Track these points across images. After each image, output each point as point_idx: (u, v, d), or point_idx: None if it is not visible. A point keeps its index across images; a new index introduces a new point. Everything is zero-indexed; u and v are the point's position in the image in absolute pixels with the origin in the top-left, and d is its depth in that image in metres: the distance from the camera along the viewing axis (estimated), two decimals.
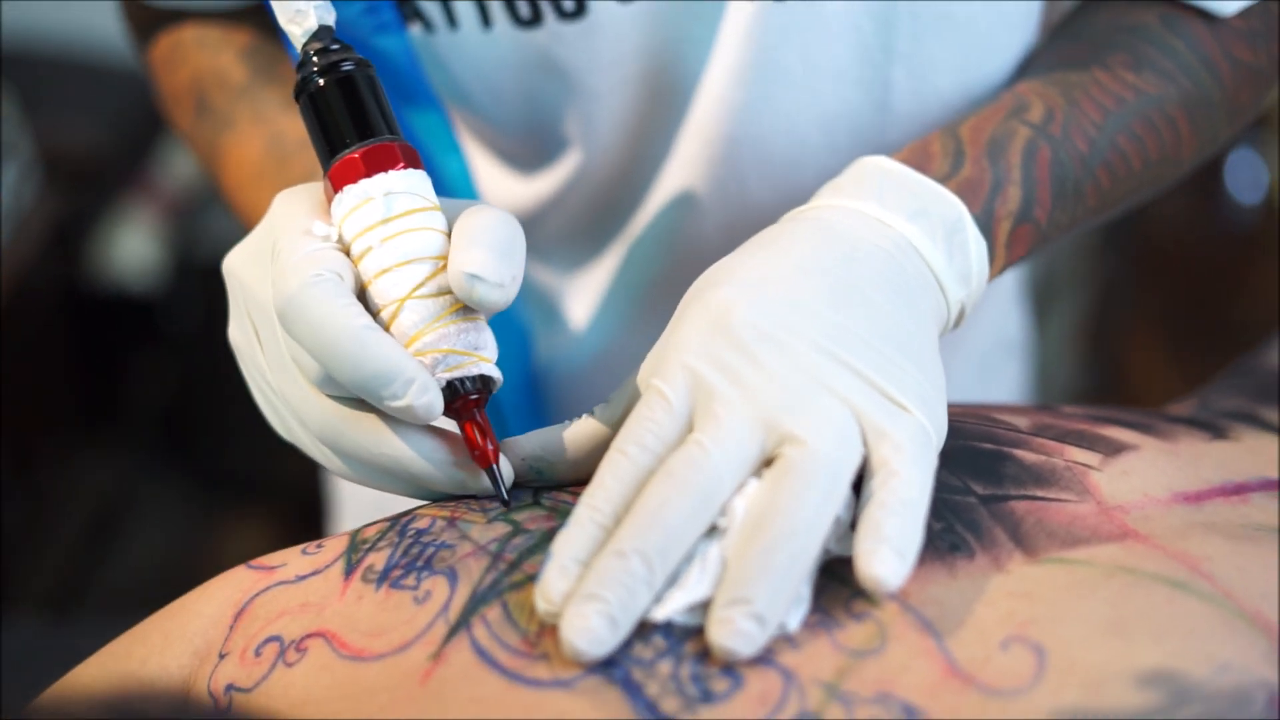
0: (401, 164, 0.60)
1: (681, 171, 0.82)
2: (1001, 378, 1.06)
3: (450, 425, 0.61)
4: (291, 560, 0.60)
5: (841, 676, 0.50)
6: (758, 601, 0.51)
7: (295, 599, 0.58)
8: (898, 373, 0.57)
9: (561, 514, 0.59)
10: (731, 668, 0.51)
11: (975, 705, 0.49)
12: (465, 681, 0.52)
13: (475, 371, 0.59)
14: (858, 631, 0.52)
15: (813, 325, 0.57)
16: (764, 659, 0.51)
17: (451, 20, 0.76)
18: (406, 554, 0.58)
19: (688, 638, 0.52)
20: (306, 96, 0.63)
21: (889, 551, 0.51)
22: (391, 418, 0.59)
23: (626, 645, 0.52)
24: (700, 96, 0.79)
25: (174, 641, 0.59)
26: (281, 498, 2.20)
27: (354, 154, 0.60)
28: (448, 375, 0.59)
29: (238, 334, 0.66)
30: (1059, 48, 0.77)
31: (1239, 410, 0.73)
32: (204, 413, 2.38)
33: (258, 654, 0.57)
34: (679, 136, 0.81)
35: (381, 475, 0.61)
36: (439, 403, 0.57)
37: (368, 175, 0.60)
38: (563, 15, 0.76)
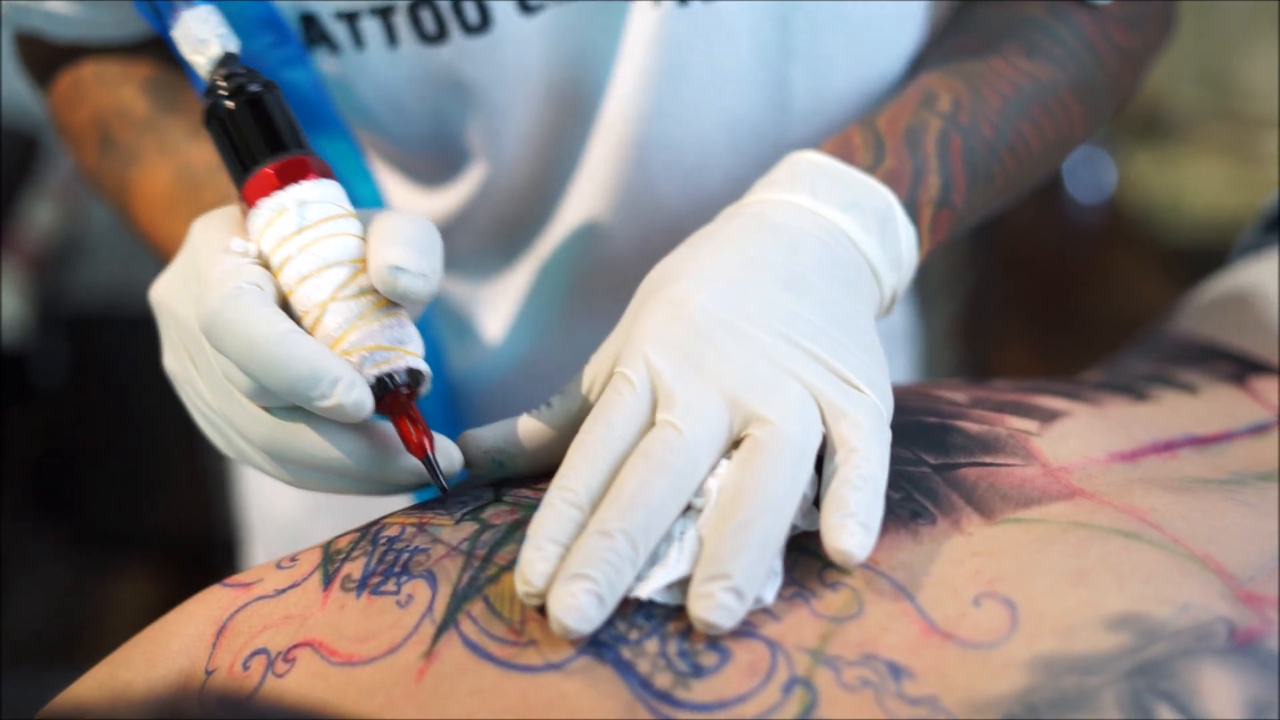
0: (314, 175, 0.62)
1: (591, 179, 0.83)
2: (893, 367, 1.10)
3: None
4: (268, 575, 0.61)
5: (825, 642, 0.52)
6: (736, 576, 0.52)
7: (277, 612, 0.59)
8: (849, 356, 0.60)
9: (525, 508, 0.60)
10: (717, 642, 0.52)
11: (956, 659, 0.51)
12: (461, 675, 0.53)
13: (403, 365, 0.59)
14: (834, 600, 0.54)
15: (768, 313, 0.60)
16: (747, 632, 0.53)
17: (358, 40, 0.76)
18: (382, 561, 0.59)
19: (669, 618, 0.54)
20: (216, 120, 0.64)
21: (855, 525, 0.54)
22: (326, 421, 0.60)
23: (610, 625, 0.53)
24: (608, 104, 0.80)
25: (157, 663, 0.59)
26: (163, 548, 2.18)
27: (266, 169, 0.62)
28: (375, 371, 0.59)
29: (173, 362, 0.66)
30: (954, 40, 0.81)
31: (1154, 374, 0.77)
32: (78, 466, 2.34)
33: (245, 667, 0.57)
34: (588, 145, 0.82)
35: (328, 479, 0.62)
36: (368, 399, 0.57)
37: (281, 188, 0.61)
38: (468, 30, 0.76)
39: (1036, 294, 2.78)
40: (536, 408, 0.64)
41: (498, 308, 0.92)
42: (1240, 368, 0.77)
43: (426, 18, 0.76)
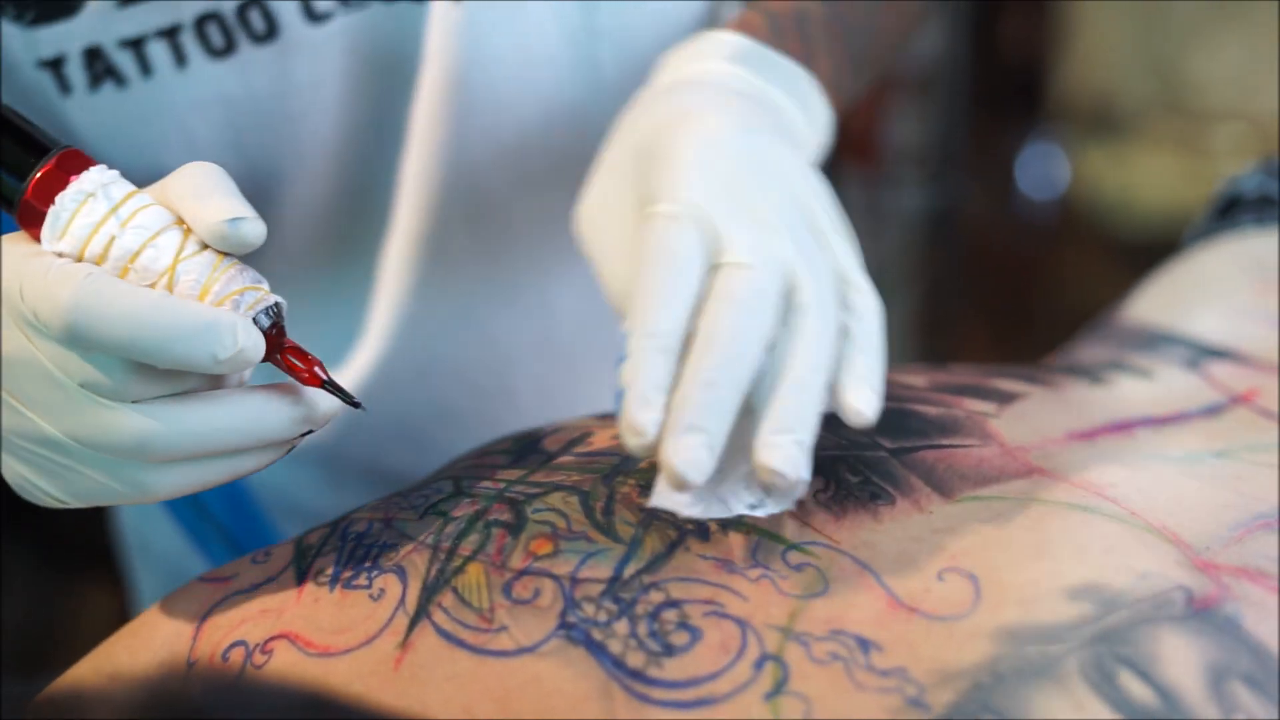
0: (93, 161, 0.58)
1: (415, 177, 0.83)
2: None
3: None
4: (243, 570, 0.62)
5: (794, 619, 0.53)
6: (798, 429, 0.54)
7: (254, 606, 0.60)
8: (824, 219, 0.62)
9: (484, 497, 0.61)
10: (685, 622, 0.54)
11: (923, 631, 0.52)
12: (437, 663, 0.54)
13: (271, 300, 0.57)
14: (800, 579, 0.55)
15: (785, 162, 0.62)
16: (716, 612, 0.54)
17: (145, 68, 0.74)
18: (353, 556, 0.60)
19: (635, 601, 0.55)
20: None
21: (867, 389, 0.57)
22: (210, 394, 0.57)
23: (578, 608, 0.55)
24: (421, 101, 0.81)
25: (140, 656, 0.60)
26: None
27: (48, 166, 0.57)
28: (251, 312, 0.57)
29: None
30: None
31: (1109, 360, 0.78)
32: None
33: (225, 659, 0.58)
34: (405, 145, 0.83)
35: (213, 467, 0.57)
36: (261, 339, 0.55)
37: (73, 178, 0.57)
38: (255, 39, 0.76)
39: (993, 290, 2.80)
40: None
41: (343, 313, 0.90)
42: (1194, 353, 0.78)
43: (213, 32, 0.75)
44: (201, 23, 0.74)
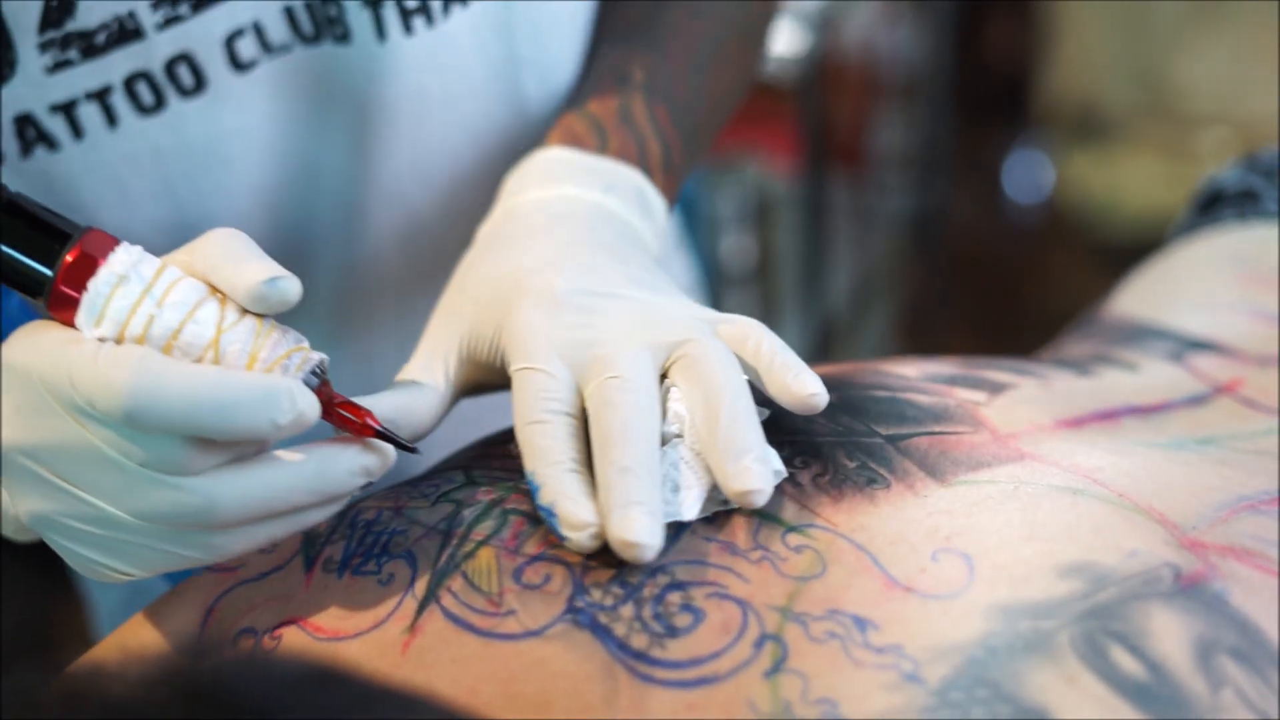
0: (115, 240, 0.58)
1: (349, 215, 0.85)
2: None
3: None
4: (251, 560, 0.63)
5: (792, 600, 0.55)
6: (755, 447, 0.58)
7: (262, 593, 0.61)
8: (675, 292, 0.68)
9: (501, 488, 0.63)
10: (689, 603, 0.55)
11: (918, 610, 0.54)
12: (444, 646, 0.56)
13: (316, 358, 0.59)
14: (799, 561, 0.57)
15: (615, 278, 0.67)
16: (719, 593, 0.55)
17: (77, 131, 0.74)
18: (362, 544, 0.61)
19: (643, 585, 0.56)
20: None
21: (805, 374, 0.61)
22: (267, 456, 0.58)
23: (585, 593, 0.56)
24: (349, 139, 0.82)
25: (153, 638, 0.61)
26: None
27: (75, 250, 0.57)
28: (300, 374, 0.58)
29: (42, 505, 0.58)
30: (624, 15, 0.86)
31: (1095, 354, 0.80)
32: None
33: (234, 645, 0.60)
34: (338, 180, 0.84)
35: (271, 525, 0.59)
36: (316, 401, 0.57)
37: (101, 261, 0.57)
38: (184, 94, 0.76)
39: (979, 292, 2.82)
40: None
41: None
42: (1177, 346, 0.80)
43: (143, 91, 0.75)
44: (131, 82, 0.74)
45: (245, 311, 0.58)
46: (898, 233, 2.67)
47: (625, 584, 0.56)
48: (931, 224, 2.72)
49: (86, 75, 0.73)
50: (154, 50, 0.73)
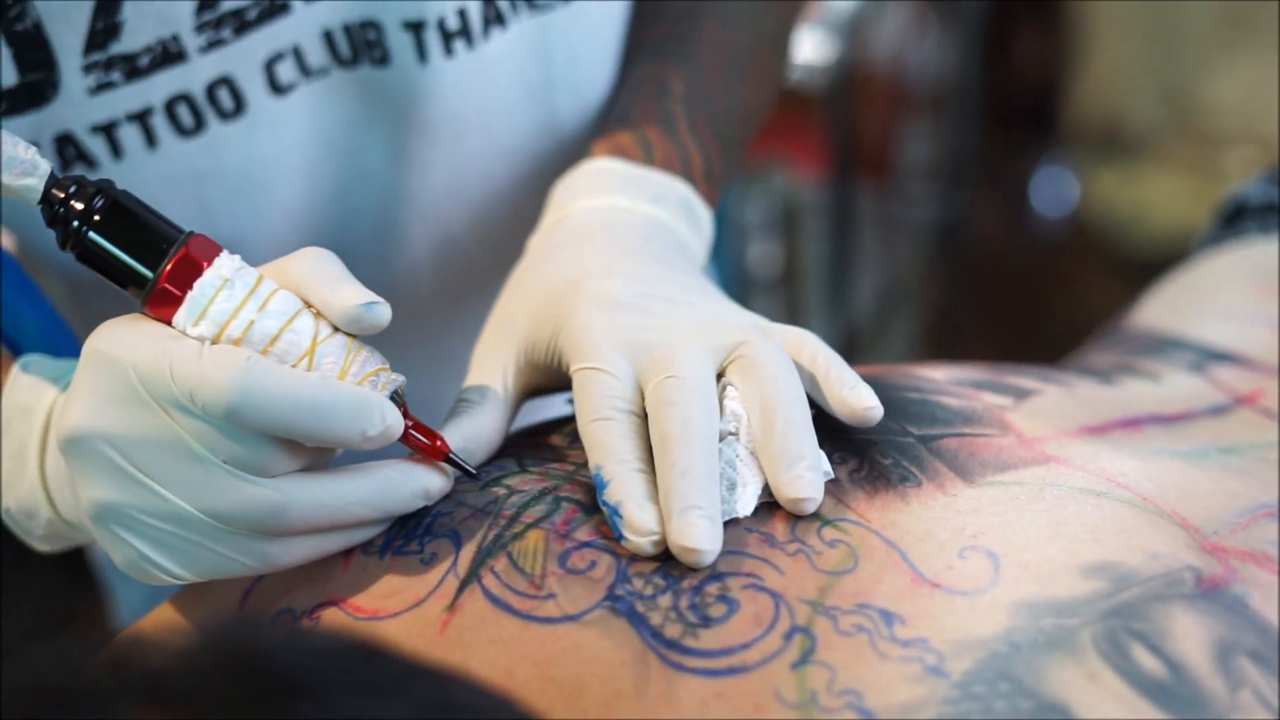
0: (217, 245, 0.60)
1: (387, 232, 0.87)
2: None
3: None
4: None
5: (823, 594, 0.56)
6: (809, 454, 0.60)
7: (300, 575, 0.62)
8: (727, 300, 0.70)
9: (554, 476, 0.64)
10: (725, 594, 0.57)
11: (944, 605, 0.55)
12: (483, 625, 0.57)
13: (399, 380, 0.62)
14: (833, 556, 0.58)
15: (669, 284, 0.68)
16: (754, 585, 0.57)
17: (116, 150, 0.75)
18: (404, 525, 0.63)
19: (684, 577, 0.58)
20: (91, 238, 0.59)
21: (861, 387, 0.63)
22: (340, 471, 0.61)
23: (628, 581, 0.58)
24: (385, 161, 0.84)
25: (193, 613, 0.63)
26: None
27: (182, 252, 0.59)
28: (385, 392, 0.61)
29: (111, 494, 0.58)
30: (657, 27, 0.88)
31: (1118, 364, 0.81)
32: None
33: (273, 625, 0.61)
34: (372, 201, 0.86)
35: (345, 529, 0.61)
36: (401, 418, 0.60)
37: (206, 264, 0.59)
38: (224, 117, 0.77)
39: (1002, 305, 2.83)
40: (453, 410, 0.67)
41: None
42: (1199, 357, 0.82)
43: (183, 113, 0.76)
44: (171, 104, 0.75)
45: (336, 329, 0.60)
46: (922, 243, 2.68)
47: (668, 575, 0.58)
48: (956, 235, 2.73)
49: (128, 97, 0.74)
50: (195, 73, 0.75)
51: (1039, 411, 0.69)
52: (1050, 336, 2.53)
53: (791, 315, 2.28)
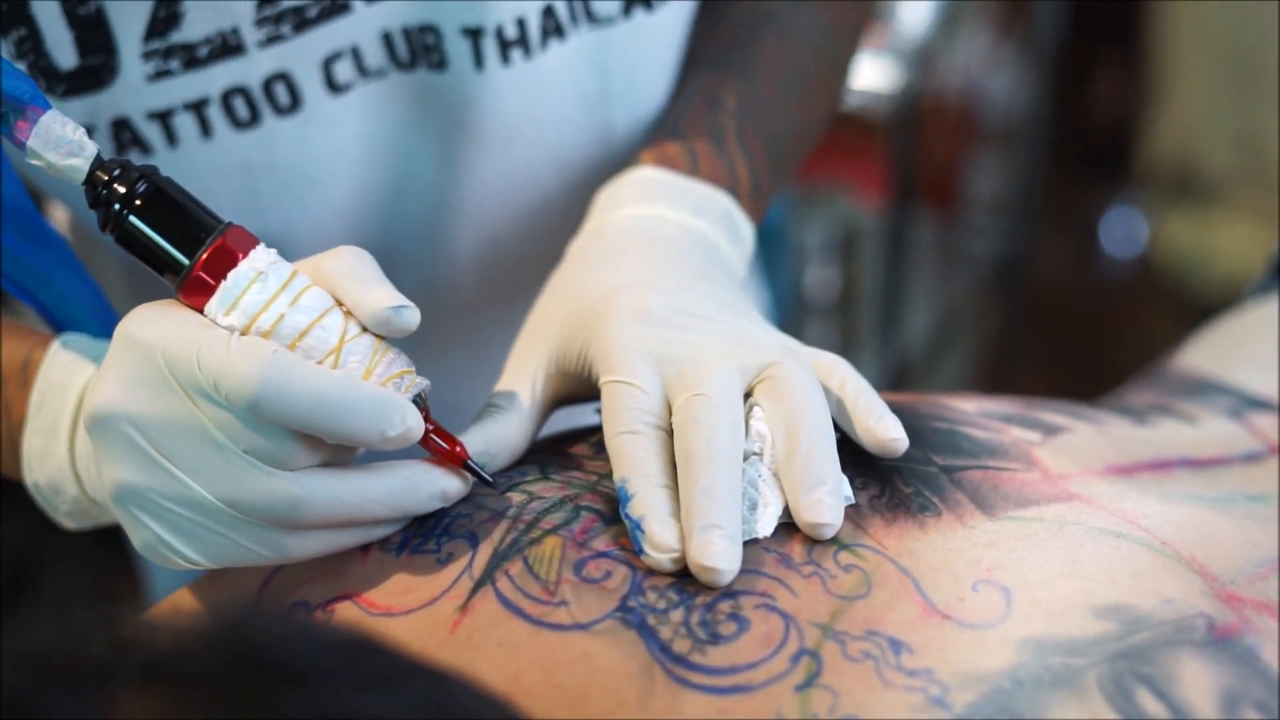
0: (257, 240, 0.61)
1: (434, 235, 0.87)
2: None
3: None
4: None
5: (835, 618, 0.56)
6: (831, 480, 0.60)
7: (317, 569, 0.63)
8: (761, 319, 0.70)
9: (575, 485, 0.64)
10: (737, 613, 0.57)
11: (953, 637, 0.55)
12: (493, 628, 0.57)
13: (423, 383, 0.62)
14: (847, 580, 0.58)
15: (705, 300, 0.68)
16: (767, 605, 0.57)
17: (171, 139, 0.76)
18: (423, 524, 0.63)
19: (699, 593, 0.58)
20: (130, 222, 0.60)
21: (889, 418, 0.64)
22: (358, 468, 0.61)
23: (641, 594, 0.58)
24: (437, 165, 0.84)
25: (206, 598, 0.64)
26: None
27: (218, 241, 0.60)
28: (408, 394, 0.61)
29: (131, 475, 0.59)
30: (715, 40, 0.88)
31: (1156, 404, 0.81)
32: None
33: (288, 616, 0.61)
34: (422, 205, 0.86)
35: (361, 526, 0.62)
36: (422, 422, 0.60)
37: (242, 255, 0.60)
38: (279, 112, 0.78)
39: (1063, 343, 2.81)
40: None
41: None
42: (1238, 403, 0.81)
43: (239, 105, 0.77)
44: (228, 96, 0.76)
45: (365, 329, 0.61)
46: (982, 276, 2.66)
47: (682, 590, 0.58)
48: (1017, 269, 2.72)
49: (186, 86, 0.75)
50: (253, 67, 0.76)
51: (1067, 448, 0.69)
52: (1109, 378, 2.50)
53: (845, 341, 2.28)
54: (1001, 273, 2.69)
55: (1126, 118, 3.08)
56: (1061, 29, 2.60)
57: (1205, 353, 0.89)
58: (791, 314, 2.28)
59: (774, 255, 2.16)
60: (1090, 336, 2.82)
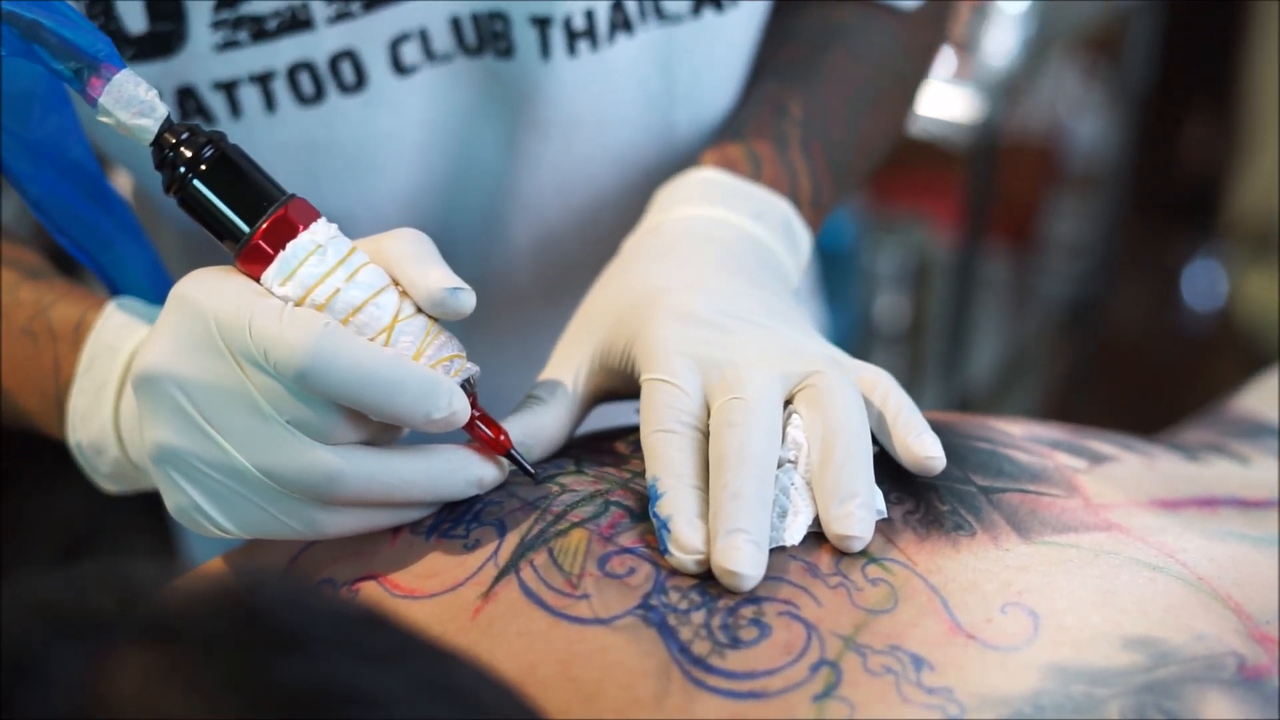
0: (317, 212, 0.61)
1: (490, 224, 0.87)
2: None
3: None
4: None
5: (858, 630, 0.56)
6: (863, 493, 0.60)
7: (347, 548, 0.63)
8: (809, 329, 0.69)
9: (608, 481, 0.64)
10: (759, 618, 0.56)
11: (976, 657, 0.54)
12: (514, 617, 0.57)
13: (472, 369, 0.62)
14: (873, 594, 0.57)
15: (753, 306, 0.67)
16: (791, 613, 0.56)
17: (235, 110, 0.76)
18: (454, 509, 0.63)
19: (722, 595, 0.57)
20: (195, 186, 0.60)
21: (929, 435, 0.63)
22: (399, 449, 0.61)
23: (664, 594, 0.57)
24: (498, 154, 0.84)
25: (210, 574, 0.64)
26: None
27: (280, 212, 0.60)
28: (457, 379, 0.61)
29: (172, 437, 0.59)
30: (784, 51, 0.87)
31: (1210, 443, 0.79)
32: None
33: (311, 591, 0.61)
34: (481, 196, 0.86)
35: (395, 507, 0.62)
36: (469, 407, 0.60)
37: (302, 227, 0.60)
38: (344, 90, 0.78)
39: (1134, 392, 2.78)
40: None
41: None
42: None
43: (305, 81, 0.77)
44: (294, 71, 0.76)
45: (419, 310, 0.61)
46: (1053, 317, 2.64)
47: (705, 592, 0.57)
48: (1090, 314, 2.69)
49: (253, 58, 0.75)
50: (321, 43, 0.76)
51: (1112, 478, 0.68)
52: (1174, 425, 2.47)
53: (911, 371, 2.26)
54: (1074, 315, 2.67)
55: (1215, 170, 3.05)
56: (1151, 76, 2.57)
57: (1264, 396, 0.88)
58: (859, 341, 2.27)
59: (845, 281, 2.15)
60: (1161, 387, 2.79)
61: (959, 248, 2.11)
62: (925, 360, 2.28)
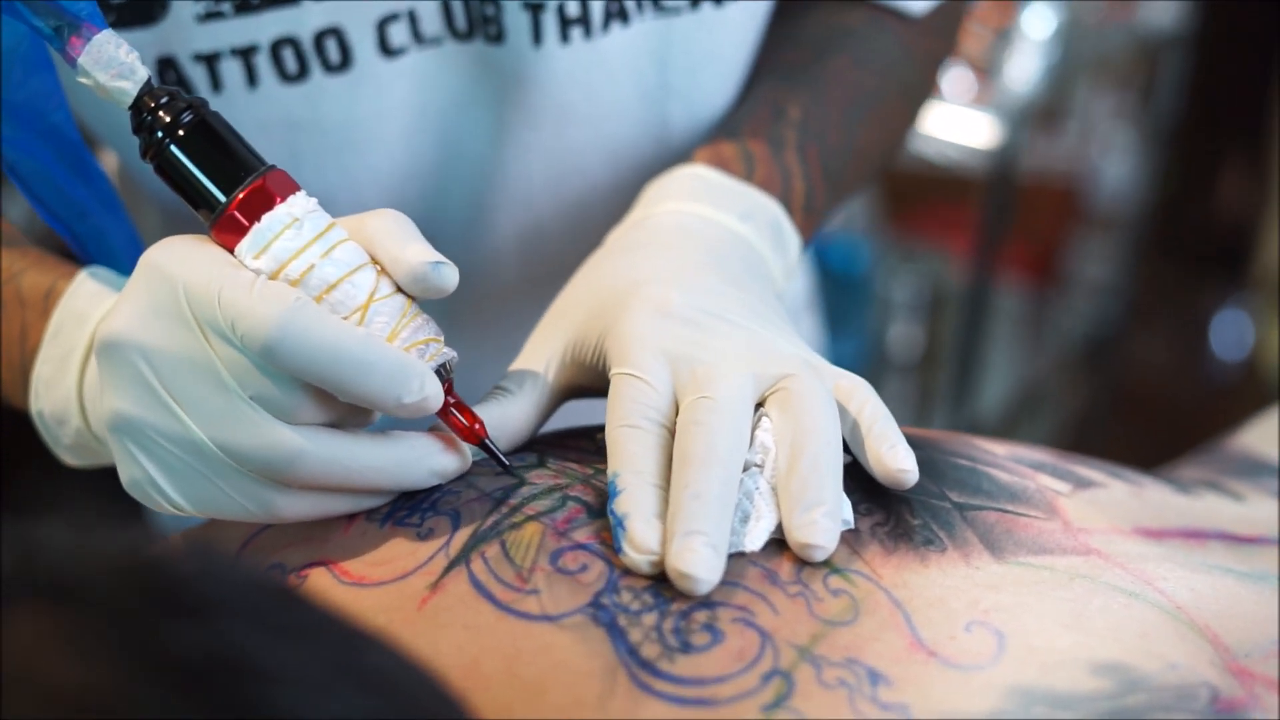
0: (296, 185, 0.60)
1: (477, 214, 0.85)
2: None
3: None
4: None
5: (815, 641, 0.53)
6: (828, 502, 0.57)
7: (300, 532, 0.61)
8: (791, 332, 0.66)
9: (569, 475, 0.62)
10: (712, 624, 0.54)
11: (936, 675, 0.52)
12: (461, 610, 0.55)
13: (449, 355, 0.60)
14: (834, 605, 0.55)
15: (730, 304, 0.65)
16: (744, 619, 0.54)
17: (216, 82, 0.75)
18: (410, 498, 0.61)
19: (675, 599, 0.55)
20: (170, 152, 0.59)
21: (901, 449, 0.60)
22: (365, 433, 0.59)
23: (616, 593, 0.55)
24: (485, 141, 0.82)
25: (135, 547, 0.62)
26: None
27: (257, 183, 0.58)
28: (432, 364, 0.59)
29: (131, 407, 0.57)
30: (787, 52, 0.85)
31: (1204, 479, 0.77)
32: None
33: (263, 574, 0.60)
34: (466, 180, 0.84)
35: (354, 493, 0.60)
36: (442, 393, 0.58)
37: (280, 200, 0.58)
38: (329, 69, 0.76)
39: (1146, 433, 2.76)
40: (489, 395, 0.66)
41: None
42: None
43: (288, 57, 0.75)
44: (277, 46, 0.74)
45: (398, 291, 0.59)
46: (1070, 356, 2.62)
47: (658, 594, 0.55)
48: (1105, 354, 2.67)
49: (235, 31, 0.73)
50: (306, 18, 0.74)
51: (1096, 503, 0.66)
52: None
53: (922, 400, 2.24)
54: (1091, 354, 2.64)
55: (1248, 219, 3.04)
56: (1183, 118, 2.55)
57: (1262, 434, 0.86)
58: (871, 368, 2.25)
59: (859, 307, 2.14)
60: (1179, 432, 2.77)
61: (972, 277, 2.09)
62: (936, 391, 2.26)
